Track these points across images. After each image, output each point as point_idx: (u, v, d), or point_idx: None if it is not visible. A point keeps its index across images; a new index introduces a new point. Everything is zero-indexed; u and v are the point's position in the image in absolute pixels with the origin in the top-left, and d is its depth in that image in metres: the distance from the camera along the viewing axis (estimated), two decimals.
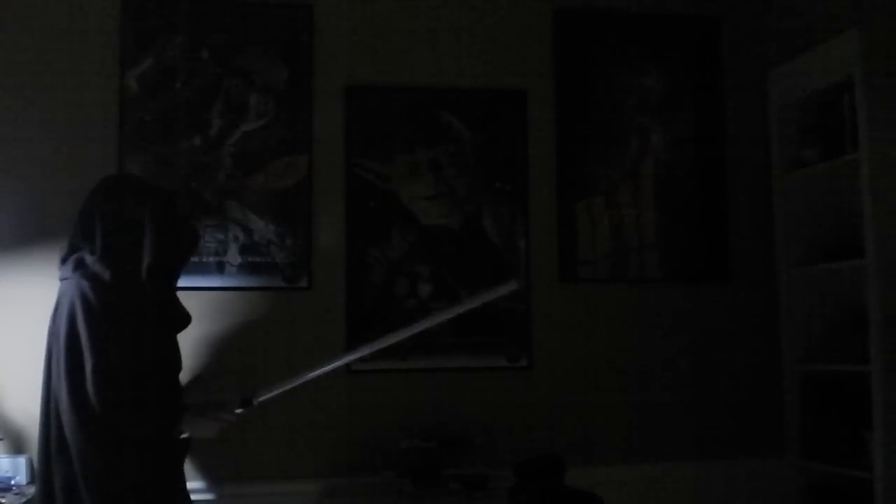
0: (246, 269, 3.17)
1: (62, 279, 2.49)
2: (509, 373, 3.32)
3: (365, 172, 3.30)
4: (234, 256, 3.17)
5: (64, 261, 2.49)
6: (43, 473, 2.45)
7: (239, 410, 2.51)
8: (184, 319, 2.63)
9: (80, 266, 2.43)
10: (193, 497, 2.69)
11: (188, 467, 2.88)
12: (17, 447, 2.96)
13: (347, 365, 3.18)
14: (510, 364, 3.33)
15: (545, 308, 3.37)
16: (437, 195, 3.34)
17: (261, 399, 2.53)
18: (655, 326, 3.44)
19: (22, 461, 2.90)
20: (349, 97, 3.30)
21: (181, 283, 2.62)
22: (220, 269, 3.15)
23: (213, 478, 3.06)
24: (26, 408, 2.97)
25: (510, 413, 3.28)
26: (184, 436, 2.46)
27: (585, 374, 3.37)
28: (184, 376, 2.63)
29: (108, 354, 2.35)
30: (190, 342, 2.93)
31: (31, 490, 2.87)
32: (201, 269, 3.12)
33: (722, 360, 3.47)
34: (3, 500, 2.71)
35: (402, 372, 3.25)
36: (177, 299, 2.62)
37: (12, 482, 2.85)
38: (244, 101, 3.24)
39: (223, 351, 3.09)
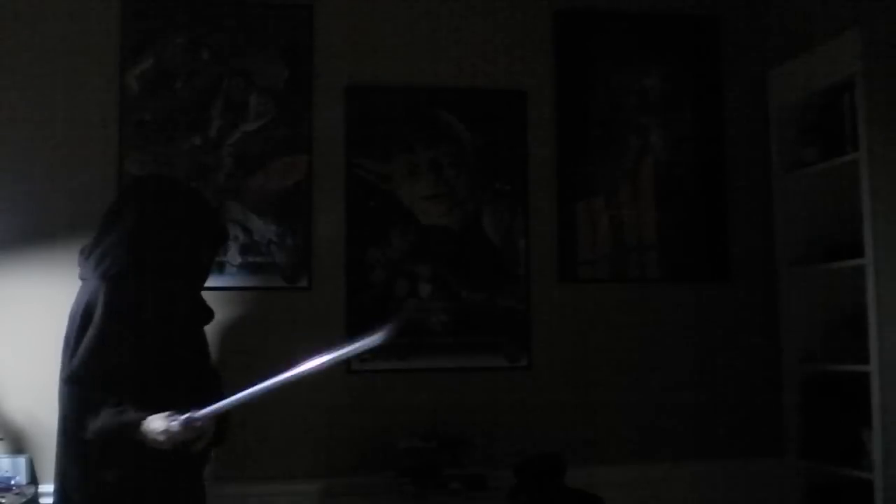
0: (246, 269, 3.17)
1: (82, 278, 2.52)
2: (509, 373, 3.32)
3: (365, 172, 3.30)
4: (234, 256, 3.16)
5: (87, 258, 2.52)
6: (59, 471, 2.48)
7: (175, 424, 2.34)
8: (209, 315, 2.69)
9: (100, 264, 2.46)
10: None
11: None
12: (17, 447, 2.96)
13: (348, 364, 3.19)
14: (510, 364, 3.33)
15: (545, 308, 3.37)
16: (437, 195, 3.34)
17: (198, 415, 2.37)
18: (655, 326, 3.44)
19: (22, 461, 2.90)
20: (349, 97, 3.30)
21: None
22: (220, 268, 3.14)
23: (213, 478, 3.05)
24: (26, 408, 2.98)
25: (510, 413, 3.28)
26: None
27: (585, 374, 3.37)
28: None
29: (87, 364, 2.37)
30: None
31: (31, 490, 2.88)
32: None
33: (722, 360, 3.47)
34: (3, 500, 2.72)
35: (402, 372, 3.25)
36: (201, 296, 2.68)
37: (12, 482, 2.85)
38: (244, 101, 3.24)
39: (223, 351, 3.09)
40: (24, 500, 2.78)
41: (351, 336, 3.19)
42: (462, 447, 3.09)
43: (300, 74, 3.27)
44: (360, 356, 3.18)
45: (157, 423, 2.35)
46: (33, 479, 2.92)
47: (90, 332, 2.39)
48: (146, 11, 3.18)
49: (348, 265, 3.26)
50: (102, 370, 2.38)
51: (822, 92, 3.29)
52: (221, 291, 3.12)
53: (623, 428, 3.37)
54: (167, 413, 2.36)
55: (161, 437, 2.35)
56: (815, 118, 3.37)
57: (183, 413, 2.36)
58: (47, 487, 2.92)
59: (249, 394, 2.37)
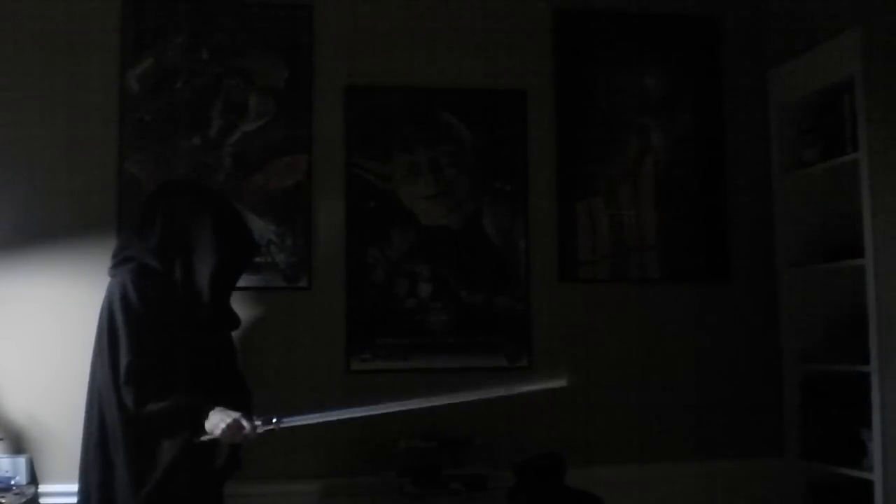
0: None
1: (111, 275, 2.57)
2: (509, 373, 3.32)
3: (365, 172, 3.30)
4: None
5: (115, 257, 2.59)
6: (83, 469, 2.49)
7: (261, 429, 2.50)
8: (233, 322, 2.75)
9: (129, 260, 2.50)
10: None
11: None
12: (17, 447, 2.96)
13: (348, 364, 3.20)
14: (510, 364, 3.33)
15: (545, 308, 3.37)
16: (437, 195, 3.34)
17: (284, 424, 2.53)
18: (655, 326, 3.44)
19: (22, 461, 2.90)
20: (349, 97, 3.31)
21: None
22: None
23: None
24: (26, 408, 2.98)
25: (510, 413, 3.28)
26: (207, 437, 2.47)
27: (585, 374, 3.36)
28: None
29: (143, 349, 2.40)
30: None
31: (31, 490, 2.88)
32: None
33: (722, 360, 3.47)
34: (3, 500, 2.72)
35: (402, 372, 3.24)
36: (228, 303, 2.72)
37: (12, 482, 2.85)
38: (244, 101, 3.24)
39: None
40: (24, 500, 2.78)
41: (351, 336, 3.21)
42: (462, 447, 3.08)
43: (300, 74, 3.27)
44: (361, 357, 3.22)
45: (217, 417, 2.44)
46: (33, 479, 2.92)
47: (121, 331, 2.42)
48: (146, 11, 3.18)
49: (348, 265, 3.26)
50: (153, 365, 2.43)
51: (822, 92, 3.29)
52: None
53: (623, 428, 3.37)
54: (239, 413, 2.46)
55: (225, 430, 2.44)
56: (815, 118, 3.37)
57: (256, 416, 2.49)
58: (47, 487, 2.93)
59: (341, 414, 2.56)
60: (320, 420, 2.56)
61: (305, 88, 3.27)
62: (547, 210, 3.41)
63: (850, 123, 3.11)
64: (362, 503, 3.00)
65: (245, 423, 2.47)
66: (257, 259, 3.18)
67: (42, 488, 2.93)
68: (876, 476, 2.90)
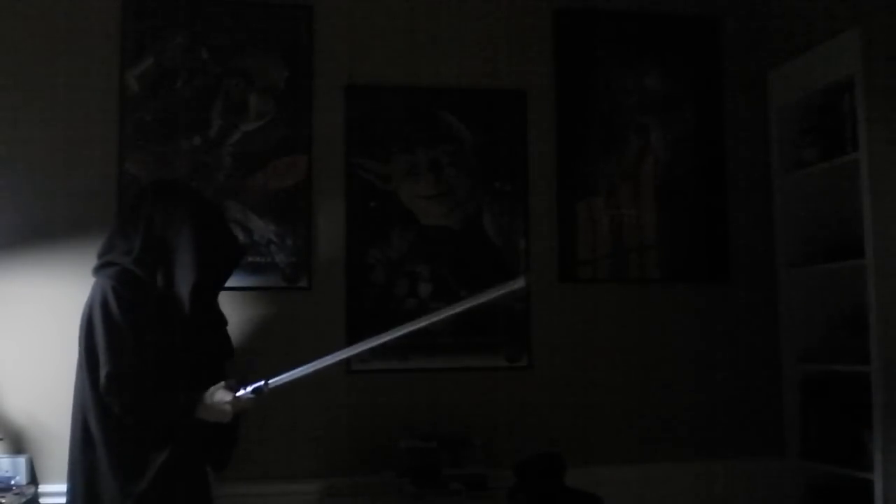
0: (246, 269, 3.17)
1: (93, 276, 2.57)
2: (509, 373, 3.32)
3: (365, 172, 3.30)
4: None
5: (100, 257, 2.58)
6: (70, 469, 2.52)
7: (251, 396, 2.54)
8: (220, 322, 2.75)
9: (111, 264, 2.50)
10: None
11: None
12: (17, 447, 2.96)
13: (348, 364, 3.20)
14: (510, 364, 3.33)
15: (545, 308, 3.37)
16: (437, 195, 3.34)
17: (271, 384, 2.56)
18: (655, 326, 3.44)
19: (22, 461, 2.90)
20: (349, 97, 3.30)
21: None
22: None
23: (214, 477, 3.05)
24: (26, 408, 2.98)
25: (510, 413, 3.28)
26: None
27: (585, 374, 3.37)
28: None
29: (122, 359, 2.40)
30: None
31: (31, 490, 2.88)
32: None
33: (722, 360, 3.47)
34: (3, 500, 2.72)
35: (402, 372, 3.25)
36: (216, 305, 2.73)
37: (12, 482, 2.85)
38: (244, 101, 3.24)
39: None
40: (24, 500, 2.78)
41: (351, 336, 3.21)
42: (462, 447, 3.08)
43: (300, 74, 3.27)
44: (360, 356, 3.21)
45: (221, 394, 2.49)
46: (33, 479, 2.92)
47: (100, 341, 2.42)
48: (146, 11, 3.18)
49: (348, 265, 3.26)
50: (134, 374, 2.43)
51: (822, 92, 3.30)
52: (221, 291, 3.12)
53: (623, 428, 3.37)
54: (223, 383, 2.51)
55: (227, 407, 2.50)
56: (815, 118, 3.37)
57: (242, 383, 2.53)
58: (47, 487, 2.93)
59: (321, 362, 2.58)
60: (307, 371, 2.58)
61: (305, 88, 3.27)
62: (547, 210, 3.41)
63: (850, 123, 3.11)
64: (362, 503, 3.00)
65: (238, 394, 2.52)
66: (258, 259, 3.18)
67: (42, 488, 2.93)
68: (876, 476, 2.90)
